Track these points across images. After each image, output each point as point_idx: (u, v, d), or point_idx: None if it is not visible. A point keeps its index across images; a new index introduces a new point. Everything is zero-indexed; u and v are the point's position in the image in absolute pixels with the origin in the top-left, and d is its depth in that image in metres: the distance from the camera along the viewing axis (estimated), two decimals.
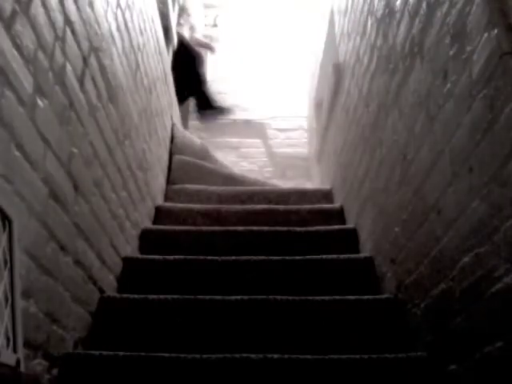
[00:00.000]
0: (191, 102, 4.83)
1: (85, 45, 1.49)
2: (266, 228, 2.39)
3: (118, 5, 1.88)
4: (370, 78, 2.08)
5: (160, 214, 2.69)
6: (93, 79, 1.57)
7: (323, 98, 3.43)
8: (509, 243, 0.98)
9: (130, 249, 2.15)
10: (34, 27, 1.14)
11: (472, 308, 1.15)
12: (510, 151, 0.97)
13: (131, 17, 2.09)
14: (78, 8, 1.42)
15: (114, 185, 1.84)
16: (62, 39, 1.31)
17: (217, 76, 4.85)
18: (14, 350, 0.90)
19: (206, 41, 4.57)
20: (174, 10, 3.78)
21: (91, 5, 1.54)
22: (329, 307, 1.73)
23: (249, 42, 5.23)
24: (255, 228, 2.41)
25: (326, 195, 3.04)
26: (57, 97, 1.29)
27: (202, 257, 2.08)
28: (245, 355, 1.43)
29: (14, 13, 1.04)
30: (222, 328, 1.69)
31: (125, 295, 1.79)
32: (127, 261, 2.03)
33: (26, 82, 1.12)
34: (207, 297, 1.76)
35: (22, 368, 0.90)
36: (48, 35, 1.22)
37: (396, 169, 1.69)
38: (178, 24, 3.91)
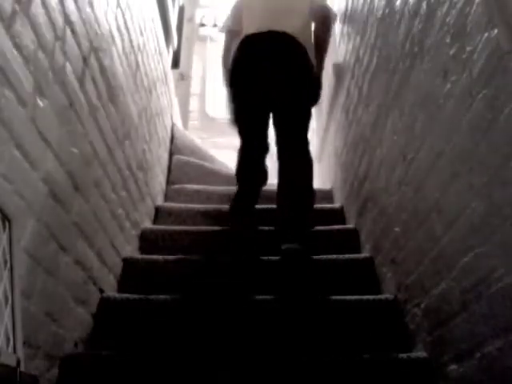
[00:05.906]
0: (190, 102, 4.83)
1: (85, 45, 1.49)
2: (266, 228, 2.39)
3: (118, 5, 1.88)
4: (369, 78, 2.07)
5: (160, 214, 2.69)
6: (93, 79, 1.57)
7: (323, 98, 3.43)
8: (509, 243, 0.98)
9: (130, 249, 2.15)
10: (34, 27, 1.14)
11: (472, 308, 1.15)
12: (510, 151, 0.96)
13: (131, 17, 2.09)
14: (78, 8, 1.41)
15: (114, 185, 1.84)
16: (62, 39, 1.31)
17: (216, 76, 4.84)
18: (14, 350, 0.90)
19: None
20: (173, 10, 3.78)
21: (91, 5, 1.54)
22: (329, 307, 1.73)
23: None
24: (255, 227, 2.40)
25: (327, 195, 3.04)
26: (57, 97, 1.29)
27: (201, 257, 2.08)
28: (244, 355, 1.43)
29: (13, 13, 1.04)
30: (221, 328, 1.68)
31: (125, 295, 1.79)
32: (127, 261, 2.03)
33: (26, 82, 1.12)
34: (207, 297, 1.75)
35: (22, 368, 0.90)
36: (48, 35, 1.22)
37: (396, 169, 1.69)
38: None
